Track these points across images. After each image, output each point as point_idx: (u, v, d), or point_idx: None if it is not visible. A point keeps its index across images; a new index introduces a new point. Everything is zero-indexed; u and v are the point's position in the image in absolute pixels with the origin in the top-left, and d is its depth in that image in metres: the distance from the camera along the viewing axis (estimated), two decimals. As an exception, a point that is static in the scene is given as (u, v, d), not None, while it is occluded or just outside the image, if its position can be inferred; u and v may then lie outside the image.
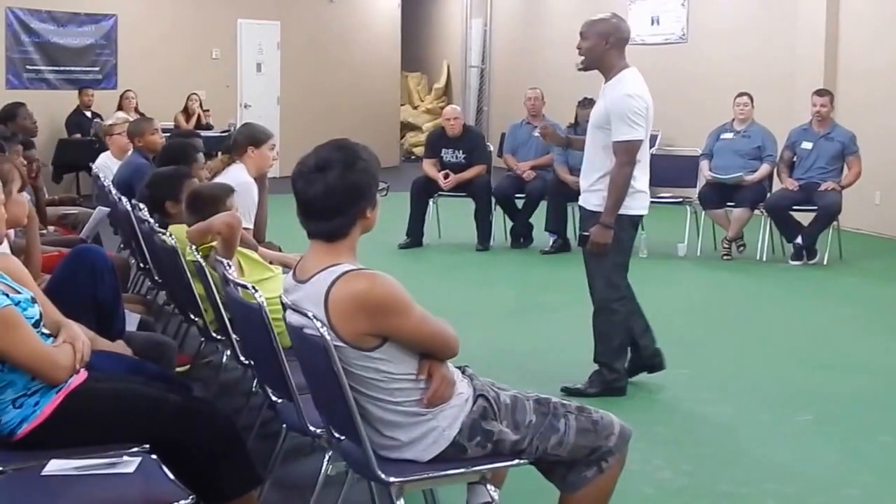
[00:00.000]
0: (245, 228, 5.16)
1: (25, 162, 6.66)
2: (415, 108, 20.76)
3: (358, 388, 3.04)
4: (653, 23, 14.53)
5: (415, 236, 10.36)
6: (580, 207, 5.67)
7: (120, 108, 13.69)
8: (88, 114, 13.93)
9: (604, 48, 5.36)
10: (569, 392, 5.42)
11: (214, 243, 4.70)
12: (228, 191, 5.06)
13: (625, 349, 5.62)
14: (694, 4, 13.92)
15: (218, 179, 5.71)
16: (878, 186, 10.89)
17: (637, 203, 5.43)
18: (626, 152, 5.28)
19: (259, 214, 6.09)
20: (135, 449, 3.20)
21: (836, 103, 10.05)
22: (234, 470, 3.34)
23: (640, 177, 5.42)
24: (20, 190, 4.46)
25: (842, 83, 11.48)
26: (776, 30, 12.41)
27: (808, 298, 8.52)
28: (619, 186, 5.30)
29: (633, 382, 5.72)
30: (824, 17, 11.61)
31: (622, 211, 5.36)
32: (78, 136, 13.70)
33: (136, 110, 13.43)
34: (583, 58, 5.45)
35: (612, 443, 3.24)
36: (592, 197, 5.47)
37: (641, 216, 5.56)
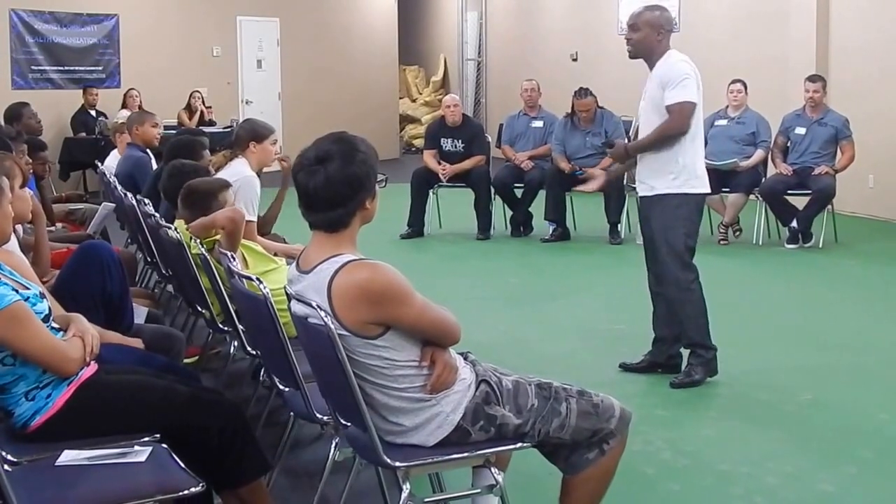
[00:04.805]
0: (248, 221, 5.22)
1: (30, 161, 6.72)
2: (413, 100, 20.78)
3: (362, 376, 3.08)
4: (645, 11, 14.48)
5: (416, 226, 10.41)
6: (641, 198, 5.54)
7: (124, 106, 13.79)
8: (93, 112, 13.97)
9: (656, 39, 5.37)
10: (679, 385, 5.44)
11: (218, 237, 4.76)
12: (223, 185, 5.08)
13: (708, 324, 5.52)
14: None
15: (220, 174, 5.76)
16: (871, 170, 10.94)
17: (701, 183, 5.42)
18: (679, 113, 5.25)
19: (273, 207, 6.36)
20: (146, 438, 3.25)
21: (829, 87, 10.10)
22: (244, 457, 3.37)
23: (699, 161, 5.42)
24: (21, 186, 4.53)
25: (834, 67, 11.51)
26: (768, 14, 12.39)
27: (805, 281, 8.57)
28: (661, 138, 5.27)
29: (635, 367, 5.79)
30: (815, 1, 11.65)
31: (689, 190, 5.35)
32: (83, 134, 13.75)
33: (140, 108, 13.46)
34: (631, 48, 5.44)
35: (612, 425, 3.28)
36: (658, 182, 5.39)
37: (705, 196, 5.55)
